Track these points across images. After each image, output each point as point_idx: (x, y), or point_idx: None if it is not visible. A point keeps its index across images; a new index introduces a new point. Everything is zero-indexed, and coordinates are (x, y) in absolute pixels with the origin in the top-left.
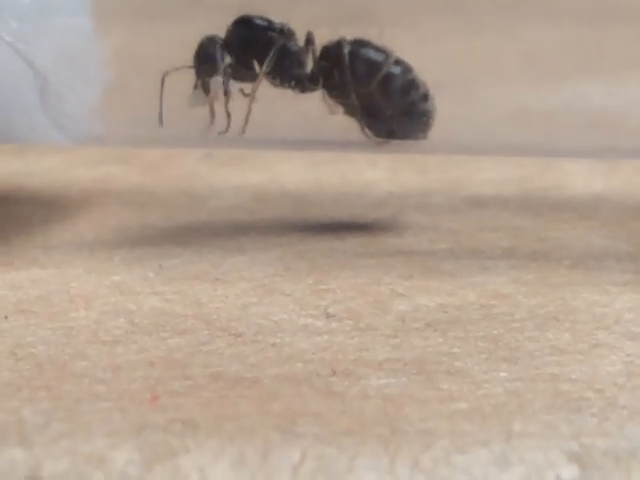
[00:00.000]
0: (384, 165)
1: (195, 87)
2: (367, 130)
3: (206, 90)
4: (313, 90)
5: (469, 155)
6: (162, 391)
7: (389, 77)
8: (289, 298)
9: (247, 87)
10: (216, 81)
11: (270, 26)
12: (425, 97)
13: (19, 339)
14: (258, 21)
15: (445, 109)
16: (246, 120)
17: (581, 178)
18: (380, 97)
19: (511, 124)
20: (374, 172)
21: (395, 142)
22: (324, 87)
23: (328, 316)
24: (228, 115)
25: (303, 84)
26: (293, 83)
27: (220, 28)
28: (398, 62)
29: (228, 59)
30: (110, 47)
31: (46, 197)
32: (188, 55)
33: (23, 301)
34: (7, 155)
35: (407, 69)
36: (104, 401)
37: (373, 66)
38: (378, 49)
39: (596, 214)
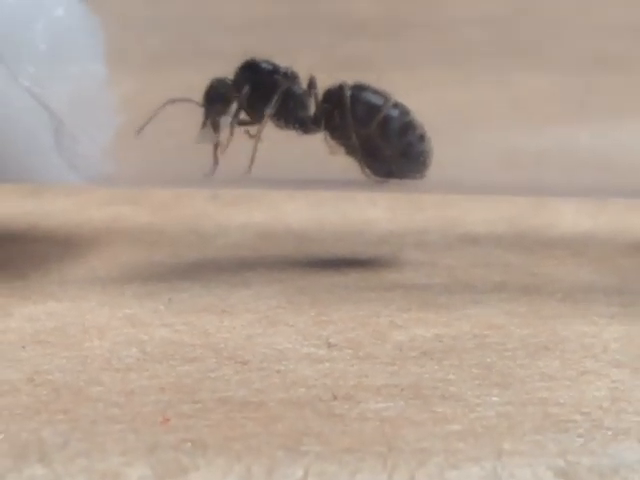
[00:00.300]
0: (384, 204)
1: (203, 125)
2: (367, 170)
3: (216, 128)
4: (316, 132)
5: (464, 194)
6: (173, 414)
7: (388, 119)
8: (292, 329)
9: (252, 128)
10: (225, 120)
11: (275, 70)
12: (422, 138)
13: (37, 367)
14: (264, 65)
15: (441, 151)
16: (252, 160)
17: (570, 217)
18: (379, 138)
19: (503, 165)
20: (374, 211)
21: (394, 182)
22: (326, 129)
23: (329, 345)
24: (216, 160)
25: (306, 126)
26: (297, 125)
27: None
28: (396, 105)
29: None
30: (122, 92)
31: (61, 236)
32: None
33: (40, 332)
34: (24, 195)
35: (405, 112)
36: (118, 423)
37: (373, 109)
38: (377, 92)
39: (585, 251)
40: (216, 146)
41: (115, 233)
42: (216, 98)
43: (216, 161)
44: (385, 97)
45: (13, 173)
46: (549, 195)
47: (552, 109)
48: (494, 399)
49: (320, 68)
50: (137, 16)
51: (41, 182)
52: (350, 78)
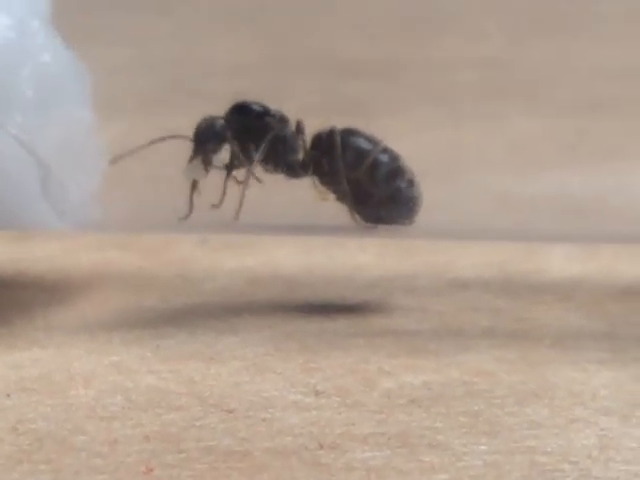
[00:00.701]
0: (373, 250)
1: (191, 160)
2: (356, 215)
3: (206, 165)
4: (304, 176)
5: (454, 240)
6: (156, 464)
7: (376, 164)
8: (280, 376)
9: (239, 173)
10: (217, 160)
11: (266, 112)
12: (411, 184)
13: (20, 415)
14: (254, 107)
15: (432, 196)
16: (240, 205)
17: (559, 262)
18: (368, 183)
19: (495, 209)
20: (364, 256)
21: (383, 227)
22: (315, 174)
23: (317, 393)
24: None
25: (294, 170)
26: (285, 169)
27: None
28: (385, 150)
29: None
30: (109, 138)
31: (47, 282)
32: (183, 146)
33: (25, 379)
34: (10, 241)
35: (394, 157)
36: (101, 474)
37: (362, 154)
38: (367, 138)
39: (574, 296)
40: (192, 190)
41: (103, 278)
42: (207, 135)
43: (191, 205)
44: (374, 142)
45: (0, 220)
46: (540, 239)
47: (545, 153)
48: (482, 448)
49: (311, 111)
50: (124, 61)
51: (28, 228)
52: (342, 120)
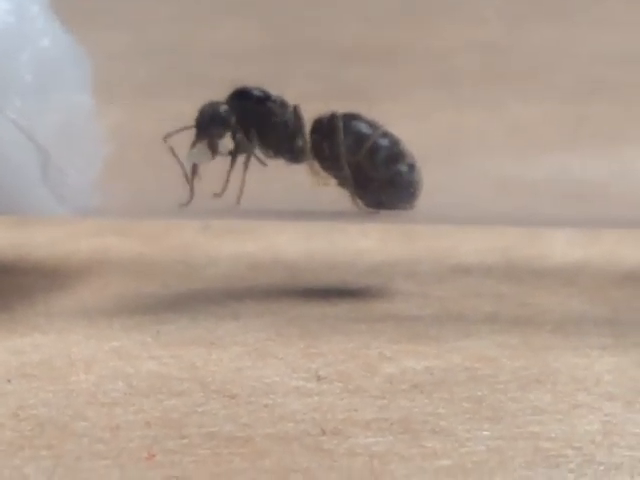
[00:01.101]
0: (375, 235)
1: (193, 145)
2: (357, 200)
3: (214, 150)
4: (304, 161)
5: (456, 224)
6: (158, 450)
7: (376, 148)
8: (281, 361)
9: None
10: (223, 145)
11: (266, 98)
12: (412, 168)
13: (21, 401)
14: (256, 92)
15: (434, 180)
16: (241, 190)
17: (562, 247)
18: (368, 168)
19: (497, 194)
20: (365, 242)
21: (385, 212)
22: (316, 159)
23: (319, 378)
24: (192, 190)
25: (295, 155)
26: (286, 154)
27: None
28: (385, 134)
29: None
30: (109, 123)
31: (48, 267)
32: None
33: (26, 365)
34: (10, 227)
35: (394, 141)
36: (103, 459)
37: (362, 138)
38: (367, 122)
39: (576, 281)
40: (192, 176)
41: (104, 264)
42: (212, 119)
43: (192, 191)
44: (374, 126)
45: (0, 205)
46: (542, 224)
47: (546, 137)
48: (485, 433)
49: (313, 96)
50: (123, 46)
51: (28, 214)
52: (343, 106)
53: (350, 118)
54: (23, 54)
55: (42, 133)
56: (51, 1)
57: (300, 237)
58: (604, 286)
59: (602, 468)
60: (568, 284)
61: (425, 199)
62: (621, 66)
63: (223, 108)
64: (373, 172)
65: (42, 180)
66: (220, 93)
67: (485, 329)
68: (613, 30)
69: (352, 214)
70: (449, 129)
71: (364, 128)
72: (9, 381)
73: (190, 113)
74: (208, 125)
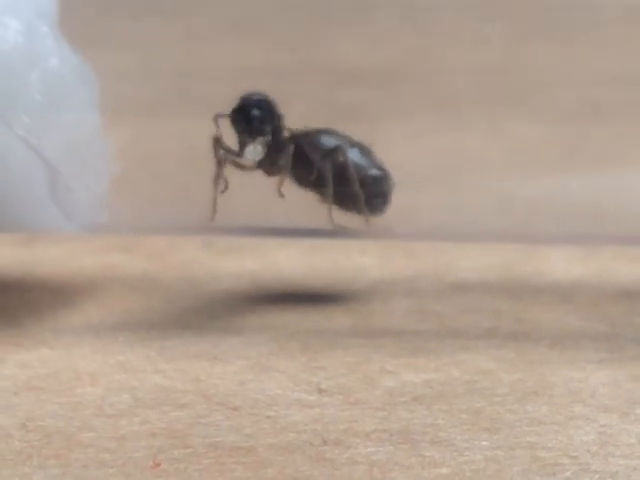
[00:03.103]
0: (374, 252)
1: (243, 145)
2: (332, 218)
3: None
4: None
5: (455, 242)
6: (163, 459)
7: (347, 163)
8: (283, 375)
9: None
10: (262, 142)
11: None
12: (382, 177)
13: (29, 413)
14: (262, 103)
15: (433, 199)
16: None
17: (560, 264)
18: (339, 179)
19: (495, 212)
20: (365, 258)
21: (385, 229)
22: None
23: (320, 391)
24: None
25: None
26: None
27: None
28: (354, 144)
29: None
30: (116, 141)
31: (54, 284)
32: (188, 150)
33: (33, 378)
34: (18, 245)
35: (365, 151)
36: (109, 467)
37: (330, 151)
38: (337, 135)
39: (573, 297)
40: (216, 190)
41: (109, 281)
42: (266, 113)
43: (215, 205)
44: (345, 137)
45: (8, 222)
46: (540, 242)
47: (545, 157)
48: (483, 443)
49: (314, 116)
50: (130, 65)
51: (36, 231)
52: (343, 127)
53: (320, 133)
54: (32, 73)
55: (50, 150)
56: (59, 21)
57: (301, 254)
58: (600, 302)
59: (597, 476)
60: (565, 300)
61: (425, 217)
62: (619, 88)
63: (270, 101)
64: (344, 183)
65: (50, 197)
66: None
67: (483, 344)
68: (612, 52)
69: (352, 231)
70: (449, 149)
71: (333, 141)
72: (16, 394)
73: (194, 131)
74: (263, 120)
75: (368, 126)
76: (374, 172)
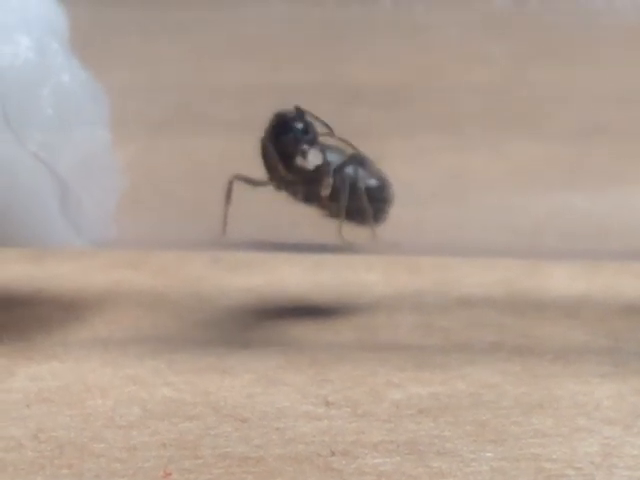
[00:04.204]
0: (380, 268)
1: (304, 154)
2: (342, 234)
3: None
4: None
5: (460, 258)
6: (174, 469)
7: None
8: (291, 388)
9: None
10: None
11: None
12: (381, 187)
13: (41, 424)
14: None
15: (439, 217)
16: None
17: (564, 279)
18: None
19: (499, 229)
20: (371, 274)
21: (391, 245)
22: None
23: (328, 404)
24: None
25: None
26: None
27: (231, 144)
28: (355, 157)
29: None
30: (126, 156)
31: (64, 299)
32: (197, 166)
33: (44, 391)
34: (28, 260)
35: (362, 161)
36: (121, 477)
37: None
38: (336, 147)
39: (578, 313)
40: (226, 206)
41: (118, 296)
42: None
43: (226, 221)
44: (342, 150)
45: (19, 237)
46: (544, 258)
47: (548, 175)
48: (488, 454)
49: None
50: (139, 83)
51: (47, 246)
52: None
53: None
54: (43, 89)
55: (61, 165)
56: (70, 38)
57: (307, 269)
58: (604, 317)
59: None
60: (569, 315)
61: (430, 233)
62: (621, 107)
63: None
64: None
65: (60, 211)
66: (233, 131)
67: (488, 357)
68: (613, 71)
69: (358, 247)
70: (454, 167)
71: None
72: (28, 406)
73: (204, 148)
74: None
75: (375, 144)
76: (373, 182)
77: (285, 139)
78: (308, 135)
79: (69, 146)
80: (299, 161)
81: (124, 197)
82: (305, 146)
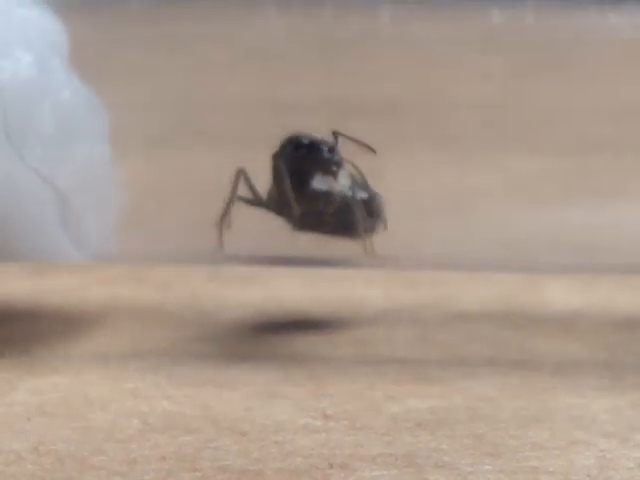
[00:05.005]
0: (379, 282)
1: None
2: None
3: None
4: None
5: (458, 272)
6: None
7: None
8: (290, 401)
9: None
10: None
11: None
12: (371, 199)
13: (41, 437)
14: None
15: (436, 230)
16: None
17: (561, 294)
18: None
19: (497, 244)
20: (369, 288)
21: (389, 259)
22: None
23: (326, 417)
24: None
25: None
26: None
27: (231, 159)
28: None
29: None
30: (126, 172)
31: (64, 313)
32: (197, 181)
33: (44, 404)
34: (29, 274)
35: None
36: None
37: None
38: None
39: (575, 327)
40: (222, 219)
41: (117, 310)
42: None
43: (221, 235)
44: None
45: (19, 252)
46: (541, 272)
47: (545, 190)
48: (486, 467)
49: None
50: (140, 98)
51: (47, 260)
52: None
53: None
54: (44, 105)
55: (61, 181)
56: (70, 54)
57: (306, 283)
58: (601, 331)
59: None
60: (566, 329)
61: (428, 248)
62: (618, 121)
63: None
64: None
65: (61, 226)
66: (233, 146)
67: (486, 371)
68: (611, 86)
69: (356, 261)
70: (451, 181)
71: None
72: (29, 419)
73: (204, 163)
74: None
75: (373, 159)
76: (364, 195)
77: (313, 165)
78: (335, 158)
79: (69, 161)
80: (326, 185)
81: (124, 212)
82: (334, 168)
